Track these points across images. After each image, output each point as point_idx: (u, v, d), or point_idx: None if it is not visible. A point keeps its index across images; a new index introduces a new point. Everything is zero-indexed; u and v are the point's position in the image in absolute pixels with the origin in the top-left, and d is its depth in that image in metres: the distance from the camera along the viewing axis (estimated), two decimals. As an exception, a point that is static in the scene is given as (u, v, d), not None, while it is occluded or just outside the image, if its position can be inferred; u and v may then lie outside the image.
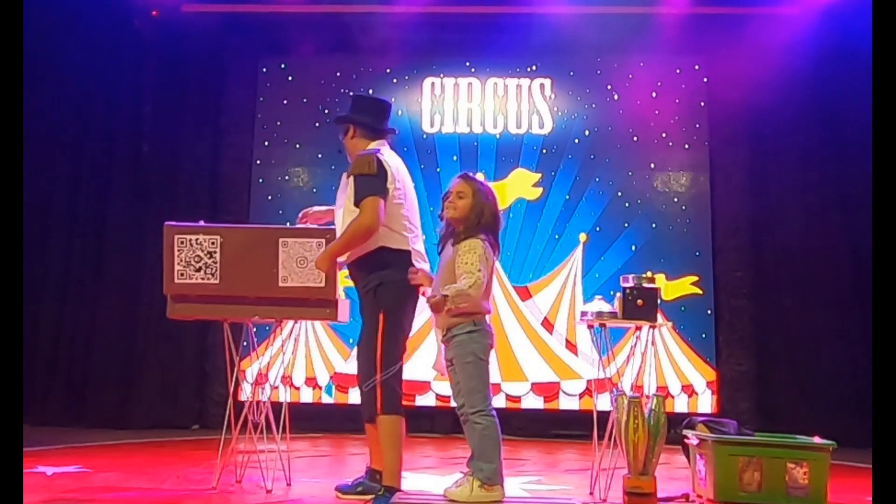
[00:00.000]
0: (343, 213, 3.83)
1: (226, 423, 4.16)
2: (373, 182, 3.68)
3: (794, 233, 6.85)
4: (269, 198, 7.04)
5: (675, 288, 6.81)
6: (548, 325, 6.86)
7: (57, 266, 6.93)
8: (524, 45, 6.97)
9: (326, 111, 7.03)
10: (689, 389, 6.73)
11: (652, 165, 7.03)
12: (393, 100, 7.05)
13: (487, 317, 3.72)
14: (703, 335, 6.81)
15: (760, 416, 6.53)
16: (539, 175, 7.02)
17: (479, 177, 4.00)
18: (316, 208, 4.23)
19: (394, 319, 3.73)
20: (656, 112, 7.02)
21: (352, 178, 3.74)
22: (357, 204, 3.69)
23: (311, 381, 6.85)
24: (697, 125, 7.06)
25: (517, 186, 6.98)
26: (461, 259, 3.56)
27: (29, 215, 6.09)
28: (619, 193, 6.99)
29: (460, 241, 3.62)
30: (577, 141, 7.06)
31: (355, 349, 3.93)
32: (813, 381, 6.65)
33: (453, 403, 3.70)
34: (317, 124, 7.08)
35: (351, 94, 4.25)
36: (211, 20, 6.84)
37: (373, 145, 3.88)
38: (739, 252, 6.89)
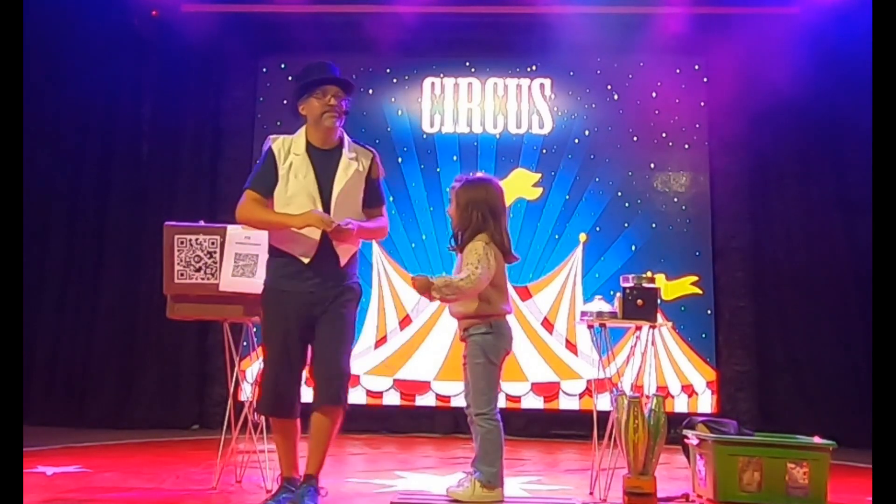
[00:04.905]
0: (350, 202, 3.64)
1: (226, 423, 4.17)
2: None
3: (795, 233, 6.85)
4: (269, 198, 7.01)
5: (675, 288, 6.81)
6: (548, 325, 6.86)
7: (57, 266, 6.92)
8: (524, 45, 6.98)
9: (326, 111, 7.01)
10: (689, 389, 6.73)
11: (652, 165, 7.02)
12: (392, 100, 7.15)
13: (509, 317, 3.80)
14: (703, 335, 6.81)
15: (760, 416, 6.53)
16: (539, 175, 7.02)
17: (479, 173, 3.98)
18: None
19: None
20: (656, 112, 7.02)
21: (377, 180, 3.70)
22: (379, 206, 3.71)
23: (311, 382, 6.83)
24: (697, 125, 7.05)
25: (517, 186, 6.97)
26: (465, 261, 3.68)
27: (29, 215, 6.10)
28: (619, 193, 6.98)
29: (465, 246, 3.73)
30: (577, 141, 7.06)
31: (322, 343, 3.61)
32: (813, 381, 6.65)
33: (454, 403, 3.70)
34: (317, 124, 7.05)
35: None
36: (211, 20, 6.83)
37: None
38: (739, 252, 6.89)
